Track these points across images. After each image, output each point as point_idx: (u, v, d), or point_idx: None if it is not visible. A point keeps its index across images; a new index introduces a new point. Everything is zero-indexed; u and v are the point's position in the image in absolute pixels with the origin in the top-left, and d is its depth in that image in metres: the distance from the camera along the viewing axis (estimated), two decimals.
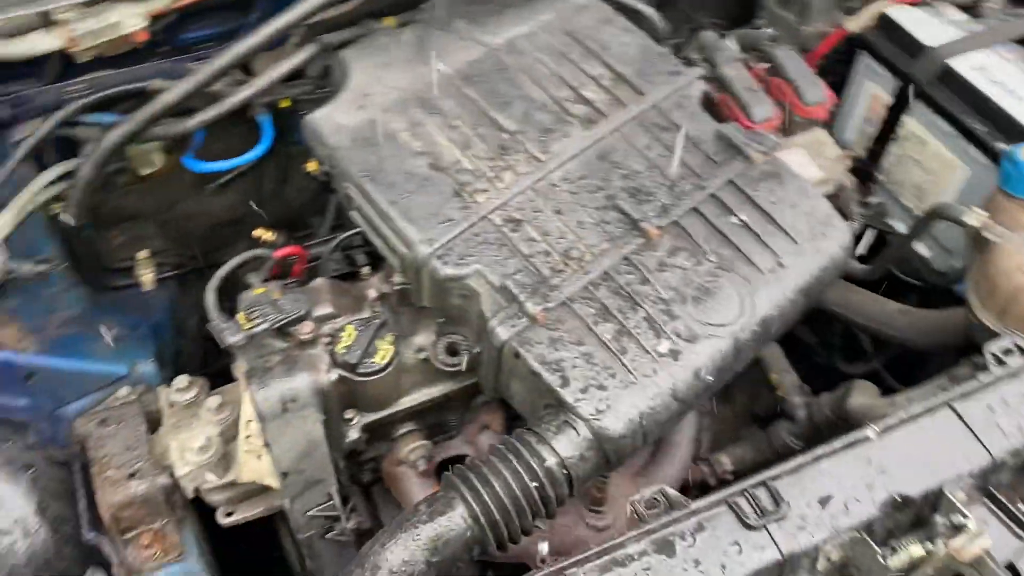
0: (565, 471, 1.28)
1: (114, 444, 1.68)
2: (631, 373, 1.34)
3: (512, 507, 1.26)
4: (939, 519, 1.25)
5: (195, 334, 2.03)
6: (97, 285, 2.09)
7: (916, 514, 1.28)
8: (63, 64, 1.80)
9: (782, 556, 1.19)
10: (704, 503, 1.24)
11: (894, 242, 2.00)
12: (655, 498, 1.24)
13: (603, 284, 1.41)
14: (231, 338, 1.45)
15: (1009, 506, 1.28)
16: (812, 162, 1.78)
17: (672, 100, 1.61)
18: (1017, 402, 1.34)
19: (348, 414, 1.57)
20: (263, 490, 1.70)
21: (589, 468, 1.31)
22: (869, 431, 1.31)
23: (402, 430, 1.66)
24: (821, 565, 1.23)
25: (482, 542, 1.27)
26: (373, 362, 1.49)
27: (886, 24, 2.08)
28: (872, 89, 2.11)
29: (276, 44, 1.83)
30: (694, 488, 1.89)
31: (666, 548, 1.20)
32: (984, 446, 1.30)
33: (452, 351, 1.55)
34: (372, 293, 1.60)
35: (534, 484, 1.27)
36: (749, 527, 1.22)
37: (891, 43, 2.06)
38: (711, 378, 1.38)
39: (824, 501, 1.25)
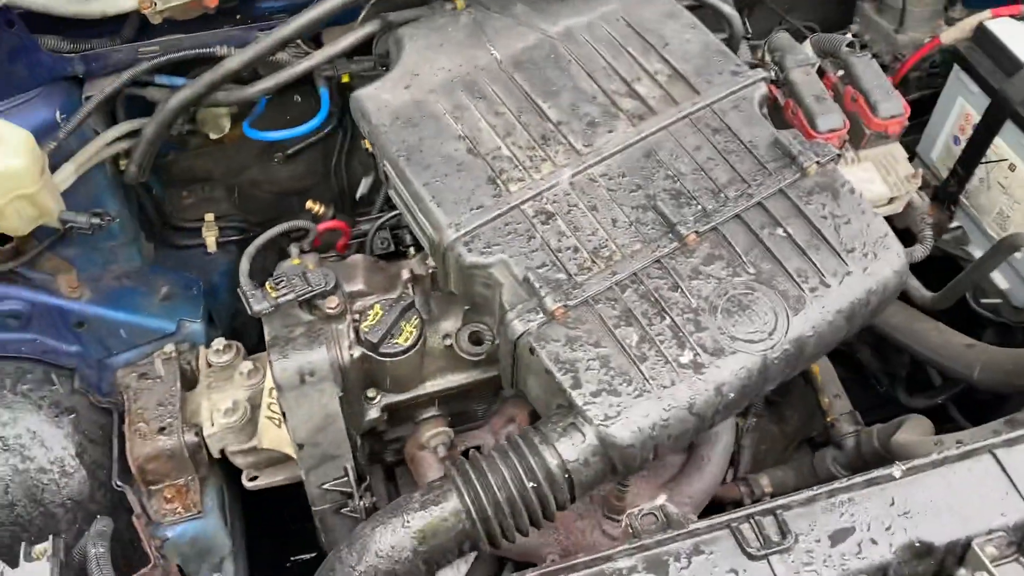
0: (567, 475, 1.25)
1: (149, 398, 1.74)
2: (648, 381, 1.28)
3: (507, 505, 1.24)
4: (963, 573, 1.16)
5: None
6: (162, 242, 2.17)
7: (938, 565, 1.19)
8: (140, 25, 1.85)
9: None
10: (704, 524, 1.19)
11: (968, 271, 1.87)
12: (653, 513, 1.19)
13: (630, 287, 1.36)
14: (257, 305, 1.46)
15: None
16: (880, 178, 1.67)
17: (729, 101, 1.53)
18: None
19: (370, 393, 1.57)
20: (286, 458, 1.72)
21: (593, 474, 1.27)
22: (895, 469, 1.23)
23: (425, 414, 1.66)
24: None
25: (473, 537, 1.25)
26: (396, 343, 1.49)
27: (982, 36, 1.94)
28: (963, 106, 1.97)
29: (348, 19, 1.84)
30: (729, 507, 1.82)
31: (658, 567, 1.16)
32: None
33: (476, 340, 1.54)
34: (405, 274, 1.60)
35: (532, 484, 1.24)
36: (750, 556, 1.16)
37: (987, 57, 1.91)
38: (733, 395, 1.31)
39: (836, 538, 1.18)
